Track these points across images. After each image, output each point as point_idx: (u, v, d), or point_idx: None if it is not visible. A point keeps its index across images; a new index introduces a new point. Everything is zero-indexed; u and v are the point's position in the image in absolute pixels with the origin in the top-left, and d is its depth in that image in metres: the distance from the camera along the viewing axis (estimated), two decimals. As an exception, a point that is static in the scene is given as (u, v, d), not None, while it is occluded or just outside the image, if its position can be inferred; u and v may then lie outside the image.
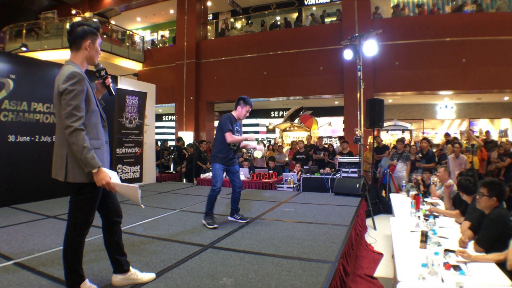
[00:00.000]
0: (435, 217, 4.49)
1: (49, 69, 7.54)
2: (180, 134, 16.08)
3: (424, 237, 3.42)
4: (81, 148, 2.50)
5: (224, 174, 5.35)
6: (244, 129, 22.21)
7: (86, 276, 2.71)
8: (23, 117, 6.88)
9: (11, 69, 6.72)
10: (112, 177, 2.69)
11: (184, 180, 11.94)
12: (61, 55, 15.55)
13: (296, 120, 17.57)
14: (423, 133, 18.26)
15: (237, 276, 3.11)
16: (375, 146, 10.36)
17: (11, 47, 15.35)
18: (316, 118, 17.70)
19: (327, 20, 16.67)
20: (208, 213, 5.02)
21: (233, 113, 5.36)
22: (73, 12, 19.04)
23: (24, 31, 17.07)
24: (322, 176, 8.85)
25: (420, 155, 9.48)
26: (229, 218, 5.35)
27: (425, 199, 5.86)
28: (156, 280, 3.04)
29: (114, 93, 3.06)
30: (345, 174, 8.42)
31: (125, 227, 4.69)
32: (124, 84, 9.67)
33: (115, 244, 2.92)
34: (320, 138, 12.77)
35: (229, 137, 5.12)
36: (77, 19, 17.73)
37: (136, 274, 2.98)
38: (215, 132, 5.48)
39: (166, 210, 6.17)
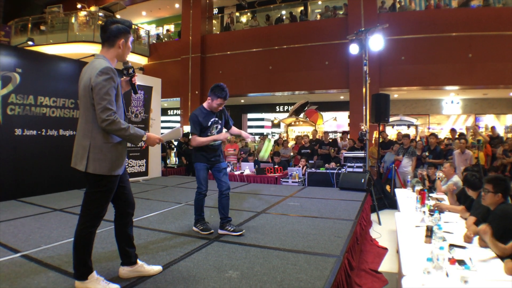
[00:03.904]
0: (440, 212, 4.48)
1: (55, 63, 7.59)
2: (186, 128, 16.08)
3: (429, 232, 3.42)
4: (123, 130, 2.65)
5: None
6: (249, 123, 22.23)
7: (94, 268, 2.74)
8: (29, 111, 6.92)
9: (18, 63, 6.75)
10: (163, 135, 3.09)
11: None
12: (67, 49, 15.59)
13: (302, 115, 17.50)
14: (428, 128, 18.18)
15: (243, 269, 3.13)
16: (380, 141, 10.34)
17: (17, 41, 15.39)
18: (321, 113, 17.64)
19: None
20: (199, 219, 4.51)
21: (204, 104, 4.59)
22: (79, 6, 19.03)
23: (29, 25, 17.12)
24: (327, 171, 8.85)
25: (427, 153, 9.44)
26: (219, 231, 4.41)
27: (431, 195, 5.84)
28: (163, 273, 3.07)
29: (137, 91, 3.12)
30: (350, 169, 8.42)
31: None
32: (129, 78, 9.67)
33: (126, 235, 2.96)
34: (326, 133, 12.75)
35: (193, 140, 4.43)
36: (82, 13, 17.76)
37: (143, 266, 3.02)
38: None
39: (171, 203, 6.20)
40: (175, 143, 13.75)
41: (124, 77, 3.08)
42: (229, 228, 4.37)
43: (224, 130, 4.77)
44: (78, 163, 2.68)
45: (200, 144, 4.42)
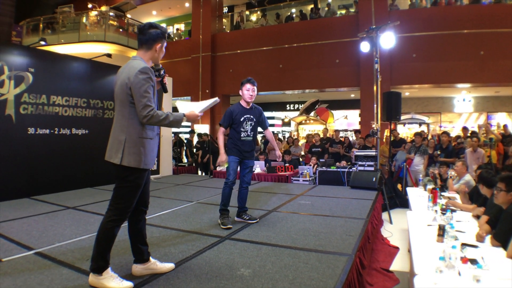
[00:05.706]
0: (453, 211, 4.46)
1: (67, 63, 7.65)
2: (196, 127, 16.15)
3: (442, 231, 3.40)
4: (164, 120, 2.80)
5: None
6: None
7: (110, 264, 2.79)
8: (42, 110, 6.99)
9: (30, 63, 6.82)
10: (194, 109, 3.10)
11: (200, 173, 12.04)
12: (79, 48, 15.69)
13: (312, 113, 17.50)
14: (440, 126, 18.04)
15: (254, 267, 3.14)
16: (391, 139, 10.28)
17: (28, 42, 15.54)
18: (332, 111, 17.61)
19: (341, 12, 16.57)
20: (222, 210, 4.69)
21: (241, 100, 4.98)
22: (89, 6, 19.16)
23: (41, 25, 17.26)
24: (338, 170, 8.83)
25: (439, 151, 9.37)
26: (236, 218, 4.90)
27: (442, 193, 5.81)
28: (175, 270, 3.09)
29: (167, 90, 3.23)
30: (361, 168, 8.39)
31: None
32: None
33: (139, 232, 3.00)
34: (337, 131, 12.72)
35: (218, 131, 4.96)
36: (93, 13, 17.87)
37: (156, 264, 3.05)
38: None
39: (183, 202, 6.23)
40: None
41: (156, 78, 3.15)
42: (245, 217, 4.86)
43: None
44: (114, 156, 2.78)
45: (218, 139, 4.94)
